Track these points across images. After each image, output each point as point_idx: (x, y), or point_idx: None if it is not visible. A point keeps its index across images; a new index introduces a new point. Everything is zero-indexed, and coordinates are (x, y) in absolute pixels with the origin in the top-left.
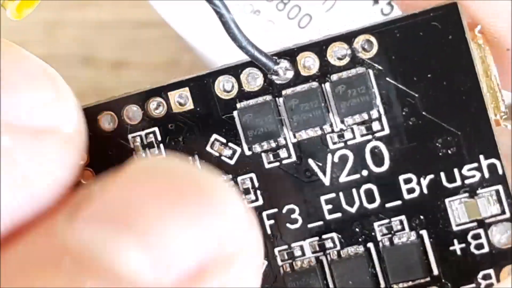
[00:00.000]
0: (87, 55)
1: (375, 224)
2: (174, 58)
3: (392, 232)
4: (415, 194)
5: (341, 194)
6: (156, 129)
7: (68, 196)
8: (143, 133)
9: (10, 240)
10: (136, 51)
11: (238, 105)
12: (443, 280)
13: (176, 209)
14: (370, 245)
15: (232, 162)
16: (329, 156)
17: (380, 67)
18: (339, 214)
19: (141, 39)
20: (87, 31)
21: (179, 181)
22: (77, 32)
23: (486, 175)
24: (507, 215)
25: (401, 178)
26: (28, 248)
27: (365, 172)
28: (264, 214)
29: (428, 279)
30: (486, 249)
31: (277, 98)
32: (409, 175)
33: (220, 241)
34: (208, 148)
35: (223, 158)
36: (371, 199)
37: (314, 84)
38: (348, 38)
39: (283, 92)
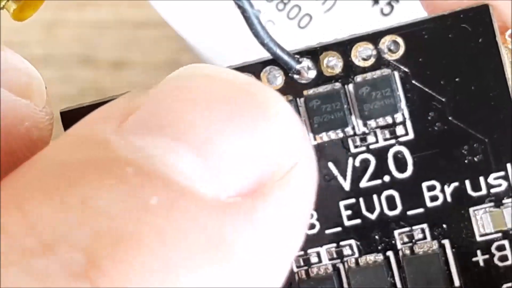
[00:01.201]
0: (87, 55)
1: (396, 232)
2: (174, 58)
3: (413, 240)
4: (438, 202)
5: (361, 199)
6: None
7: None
8: None
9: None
10: (136, 51)
11: None
12: None
13: (231, 119)
14: (390, 253)
15: None
16: (350, 160)
17: (406, 69)
18: (358, 221)
19: (141, 39)
20: (87, 31)
21: (231, 89)
22: (77, 32)
23: None
24: None
25: (424, 185)
26: (78, 157)
27: (387, 178)
28: None
29: None
30: (510, 261)
31: (297, 99)
32: (433, 182)
33: (278, 154)
34: None
35: None
36: (392, 205)
37: (337, 84)
38: (374, 38)
39: (305, 92)
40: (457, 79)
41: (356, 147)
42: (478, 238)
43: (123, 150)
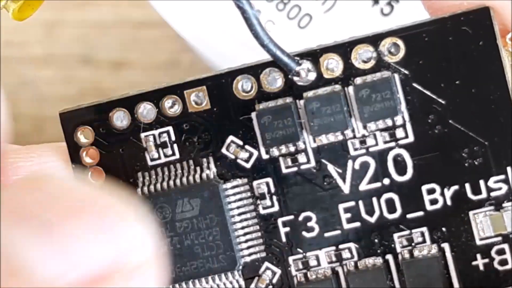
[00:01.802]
0: (87, 55)
1: (395, 235)
2: (174, 58)
3: (413, 244)
4: (438, 206)
5: (360, 202)
6: (170, 128)
7: None
8: (156, 132)
9: None
10: (136, 51)
11: (257, 107)
12: None
13: (80, 223)
14: (389, 257)
15: (248, 165)
16: (350, 162)
17: (406, 72)
18: (357, 224)
19: (141, 39)
20: (87, 31)
21: (83, 202)
22: (77, 32)
23: None
24: None
25: (424, 188)
26: None
27: (386, 181)
28: (280, 221)
29: None
30: (510, 265)
31: (297, 101)
32: (433, 185)
33: (119, 255)
34: (223, 150)
35: (239, 161)
36: (392, 209)
37: (337, 87)
38: (374, 40)
39: (304, 95)
40: (457, 82)
41: (355, 149)
42: (478, 242)
43: None
